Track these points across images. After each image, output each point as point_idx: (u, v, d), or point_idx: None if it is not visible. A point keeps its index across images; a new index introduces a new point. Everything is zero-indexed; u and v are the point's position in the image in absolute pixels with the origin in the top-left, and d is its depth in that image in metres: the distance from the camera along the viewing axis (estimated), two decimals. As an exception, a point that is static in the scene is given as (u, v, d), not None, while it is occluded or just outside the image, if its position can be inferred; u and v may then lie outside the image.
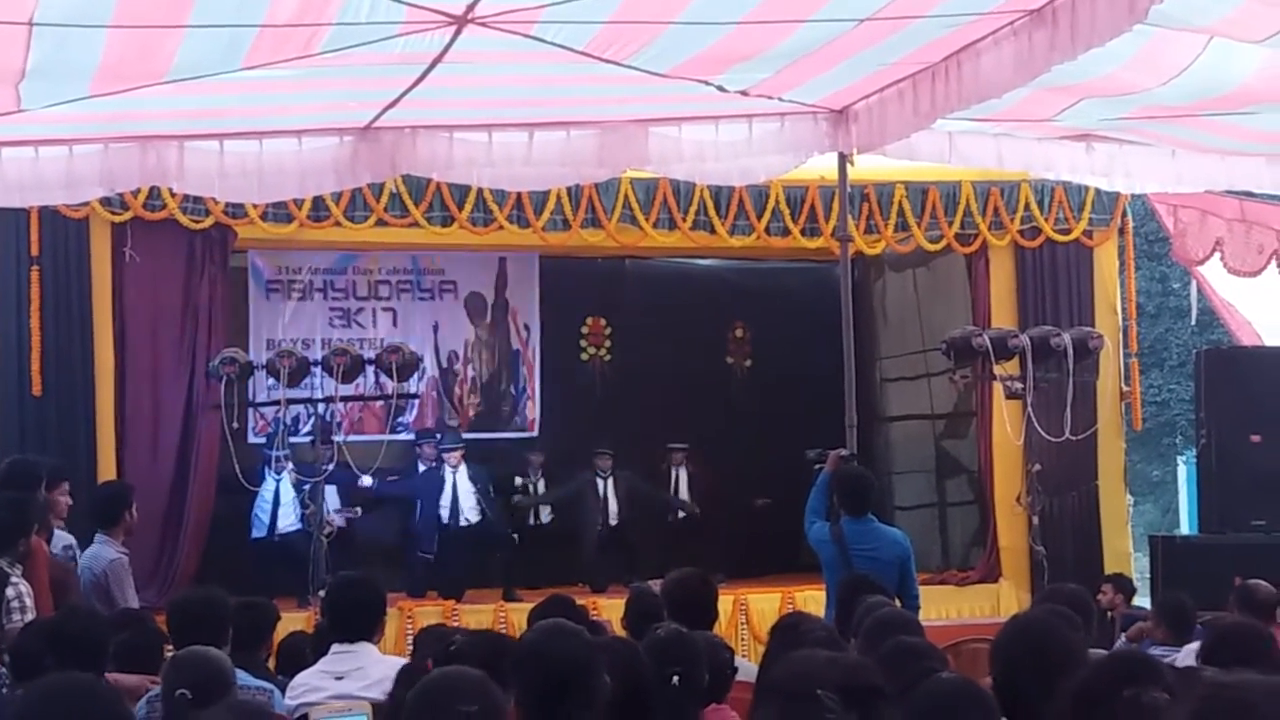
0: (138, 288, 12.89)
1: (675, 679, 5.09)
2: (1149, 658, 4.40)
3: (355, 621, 6.62)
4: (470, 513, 14.07)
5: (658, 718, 4.76)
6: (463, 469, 14.19)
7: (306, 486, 12.66)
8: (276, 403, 12.71)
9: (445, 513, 14.07)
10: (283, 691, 7.06)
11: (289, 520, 13.57)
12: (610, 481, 15.03)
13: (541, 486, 15.30)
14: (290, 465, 13.51)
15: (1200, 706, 2.80)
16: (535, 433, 16.08)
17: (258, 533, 13.68)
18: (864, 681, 3.02)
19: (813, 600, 12.73)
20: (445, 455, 14.34)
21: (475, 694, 3.72)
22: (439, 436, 14.91)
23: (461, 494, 14.13)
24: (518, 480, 15.26)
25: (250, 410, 13.86)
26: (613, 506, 15.02)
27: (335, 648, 6.62)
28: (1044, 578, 12.51)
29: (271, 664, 9.56)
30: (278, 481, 13.69)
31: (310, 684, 6.53)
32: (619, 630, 7.69)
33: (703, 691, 5.51)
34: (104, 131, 9.01)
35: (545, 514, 15.19)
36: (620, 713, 4.42)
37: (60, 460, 10.94)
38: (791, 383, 15.76)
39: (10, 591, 7.87)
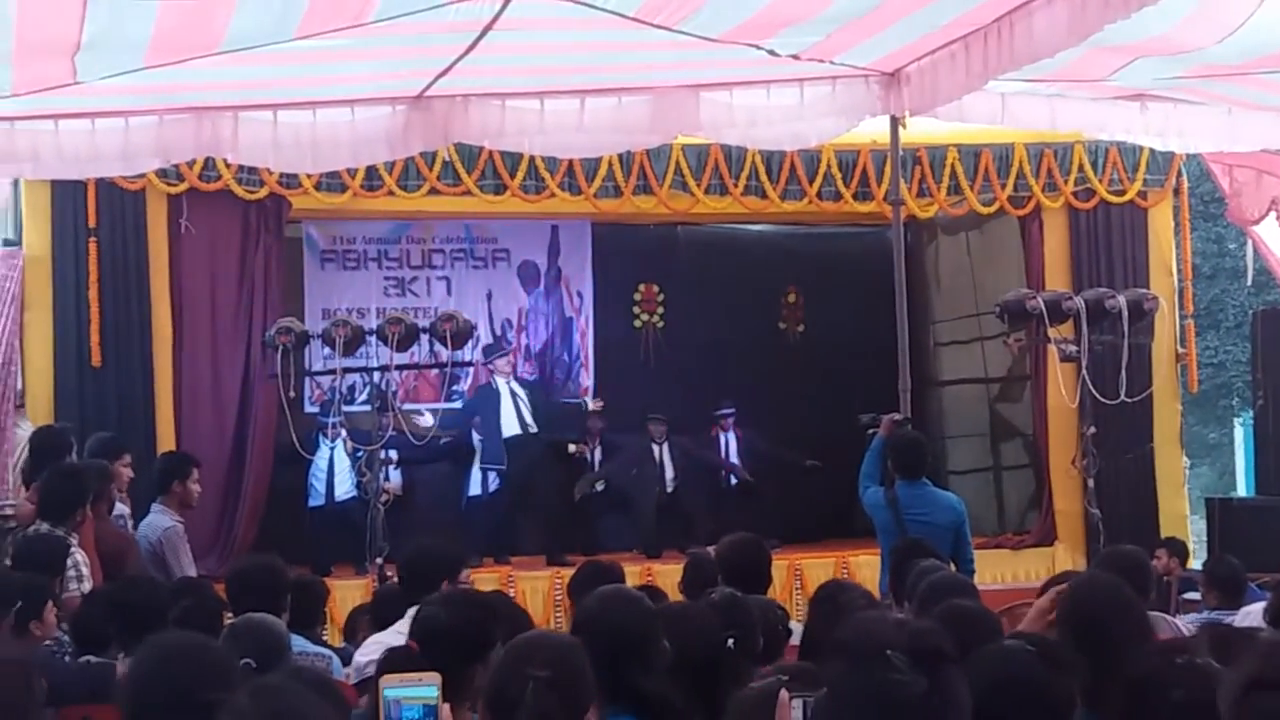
0: (194, 258, 12.98)
1: (730, 642, 5.12)
2: (1188, 642, 4.40)
3: (422, 585, 6.69)
4: (529, 420, 14.36)
5: (715, 681, 4.77)
6: (513, 381, 14.55)
7: (362, 454, 12.73)
8: (332, 372, 12.76)
9: (506, 423, 14.28)
10: (343, 661, 7.15)
11: (345, 488, 13.67)
12: (665, 448, 15.07)
13: (598, 454, 15.33)
14: (345, 433, 13.59)
15: (1253, 674, 2.80)
16: (590, 400, 16.12)
17: (314, 501, 13.78)
18: (932, 645, 3.02)
19: (867, 565, 12.72)
20: (494, 365, 14.52)
21: (549, 659, 3.74)
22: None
23: (520, 404, 14.35)
24: (571, 447, 15.29)
25: (306, 379, 13.94)
26: (669, 473, 15.06)
27: (410, 610, 6.67)
28: (1099, 541, 12.49)
29: (337, 638, 9.70)
30: (332, 450, 13.79)
31: (385, 642, 6.57)
32: (675, 596, 7.74)
33: (757, 655, 5.54)
34: (159, 103, 9.06)
35: (599, 484, 15.22)
36: (679, 677, 4.43)
37: (117, 433, 11.08)
38: (844, 348, 15.73)
39: (68, 560, 7.98)
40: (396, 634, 6.54)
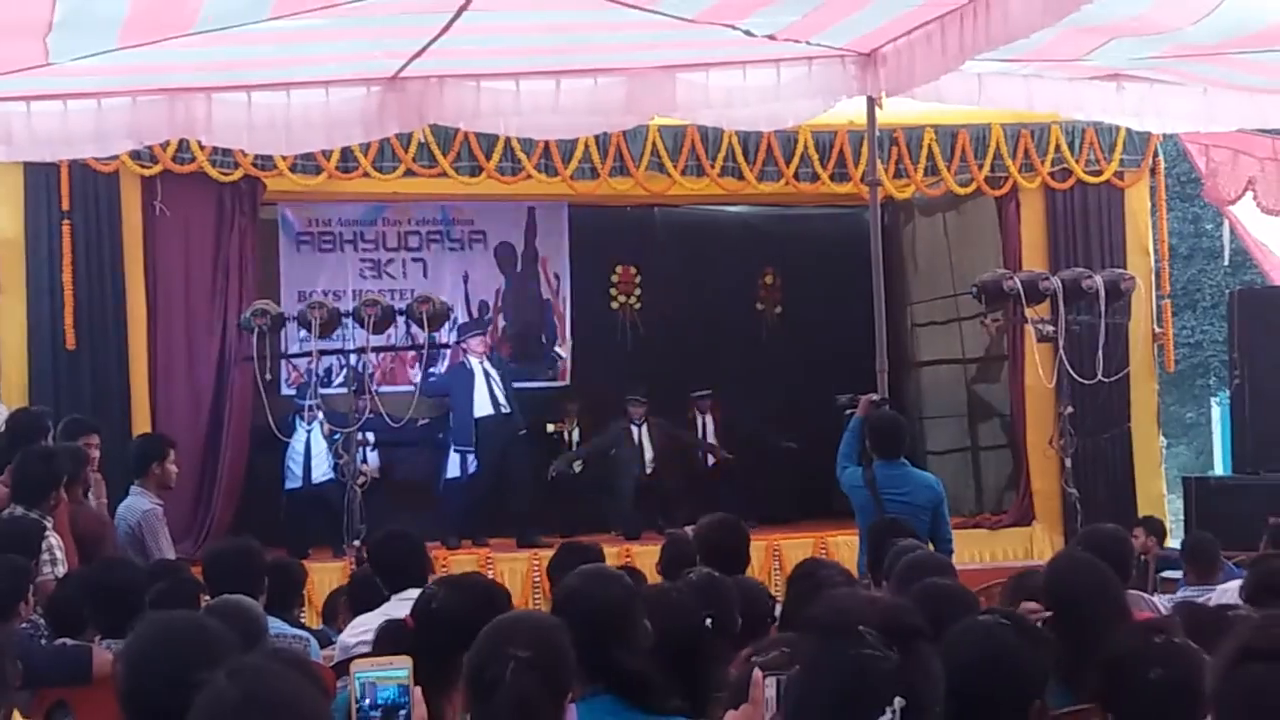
0: (168, 241, 12.93)
1: (708, 622, 5.12)
2: (1167, 620, 4.40)
3: (400, 572, 6.71)
4: (501, 400, 14.34)
5: (695, 661, 4.78)
6: (486, 361, 14.53)
7: (339, 436, 12.70)
8: (308, 354, 12.72)
9: (479, 403, 14.28)
10: (321, 643, 7.14)
11: (323, 470, 13.65)
12: (644, 429, 15.07)
13: (576, 435, 15.33)
14: (321, 415, 13.55)
15: (1245, 644, 2.81)
16: (567, 381, 16.10)
17: (291, 484, 13.78)
18: (905, 621, 3.03)
19: (845, 545, 12.79)
20: (467, 345, 14.56)
21: (530, 639, 3.73)
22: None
23: (493, 384, 14.36)
24: (550, 427, 15.29)
25: (283, 362, 13.90)
26: (648, 454, 15.07)
27: (394, 596, 6.68)
28: (1077, 520, 12.50)
29: (314, 620, 9.69)
30: (309, 432, 13.76)
31: (370, 624, 6.56)
32: (654, 577, 7.74)
33: (736, 635, 5.53)
34: (132, 84, 9.02)
35: (577, 465, 15.20)
36: (659, 657, 4.44)
37: (86, 414, 11.03)
38: (822, 328, 15.75)
39: (43, 544, 7.95)
40: (382, 616, 6.55)
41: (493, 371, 14.52)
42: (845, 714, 2.91)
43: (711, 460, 15.45)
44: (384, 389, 14.00)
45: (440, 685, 4.34)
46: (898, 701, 2.88)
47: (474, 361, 14.49)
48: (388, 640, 4.73)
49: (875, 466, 9.41)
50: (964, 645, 3.84)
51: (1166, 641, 3.86)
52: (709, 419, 15.56)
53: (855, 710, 2.89)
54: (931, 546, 8.95)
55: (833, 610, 3.07)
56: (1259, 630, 2.86)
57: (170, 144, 11.88)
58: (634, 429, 15.06)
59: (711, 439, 15.51)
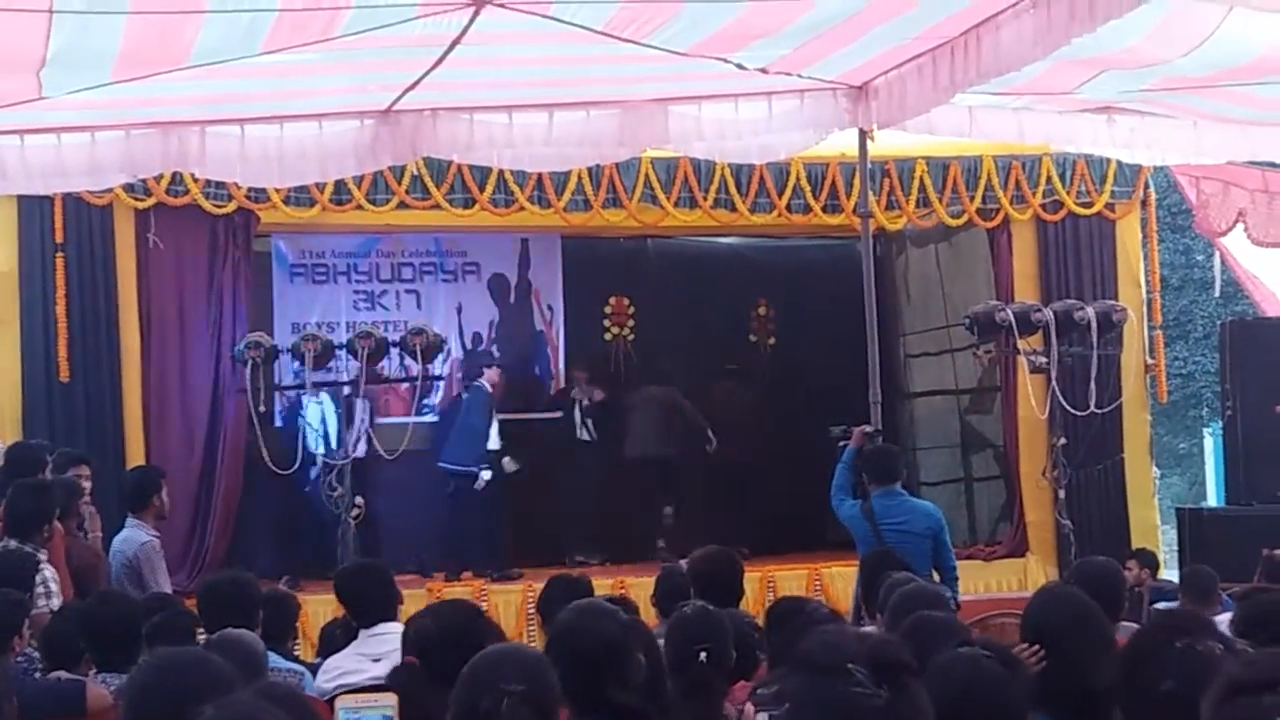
0: (162, 273, 12.94)
1: (702, 655, 5.12)
2: (1199, 615, 4.41)
3: (372, 606, 6.72)
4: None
5: (686, 695, 4.77)
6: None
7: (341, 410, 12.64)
8: (302, 386, 12.74)
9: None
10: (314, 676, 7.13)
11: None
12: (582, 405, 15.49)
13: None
14: (326, 391, 13.39)
15: (1234, 679, 2.83)
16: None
17: (329, 458, 13.12)
18: (893, 657, 3.03)
19: (840, 577, 12.80)
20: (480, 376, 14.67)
21: (522, 674, 3.72)
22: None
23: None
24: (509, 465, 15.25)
25: (276, 394, 13.88)
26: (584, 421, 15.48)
27: (364, 632, 6.69)
28: (1071, 551, 12.55)
29: (309, 653, 9.66)
30: (320, 405, 13.65)
31: (345, 667, 6.59)
32: (648, 609, 7.76)
33: (730, 668, 5.54)
34: (126, 118, 9.05)
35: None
36: (649, 691, 4.44)
37: (80, 447, 11.03)
38: (815, 359, 15.74)
39: (37, 577, 7.94)
40: (356, 656, 6.56)
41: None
42: None
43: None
44: (378, 421, 14.01)
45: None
46: None
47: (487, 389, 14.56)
48: (402, 685, 4.74)
49: (873, 497, 9.43)
50: (947, 675, 3.85)
51: (1186, 648, 3.82)
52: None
53: None
54: (936, 576, 9.00)
55: (822, 647, 3.07)
56: (1246, 665, 2.87)
57: (164, 177, 11.89)
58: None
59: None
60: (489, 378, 14.57)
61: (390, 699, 3.52)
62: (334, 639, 8.37)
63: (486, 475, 14.18)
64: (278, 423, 14.02)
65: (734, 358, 16.54)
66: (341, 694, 4.07)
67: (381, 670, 6.22)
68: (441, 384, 15.32)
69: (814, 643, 3.13)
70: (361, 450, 12.85)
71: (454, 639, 4.97)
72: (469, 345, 16.02)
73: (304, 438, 13.04)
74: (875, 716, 2.90)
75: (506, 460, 14.72)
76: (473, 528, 14.12)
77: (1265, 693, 2.74)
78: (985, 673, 3.87)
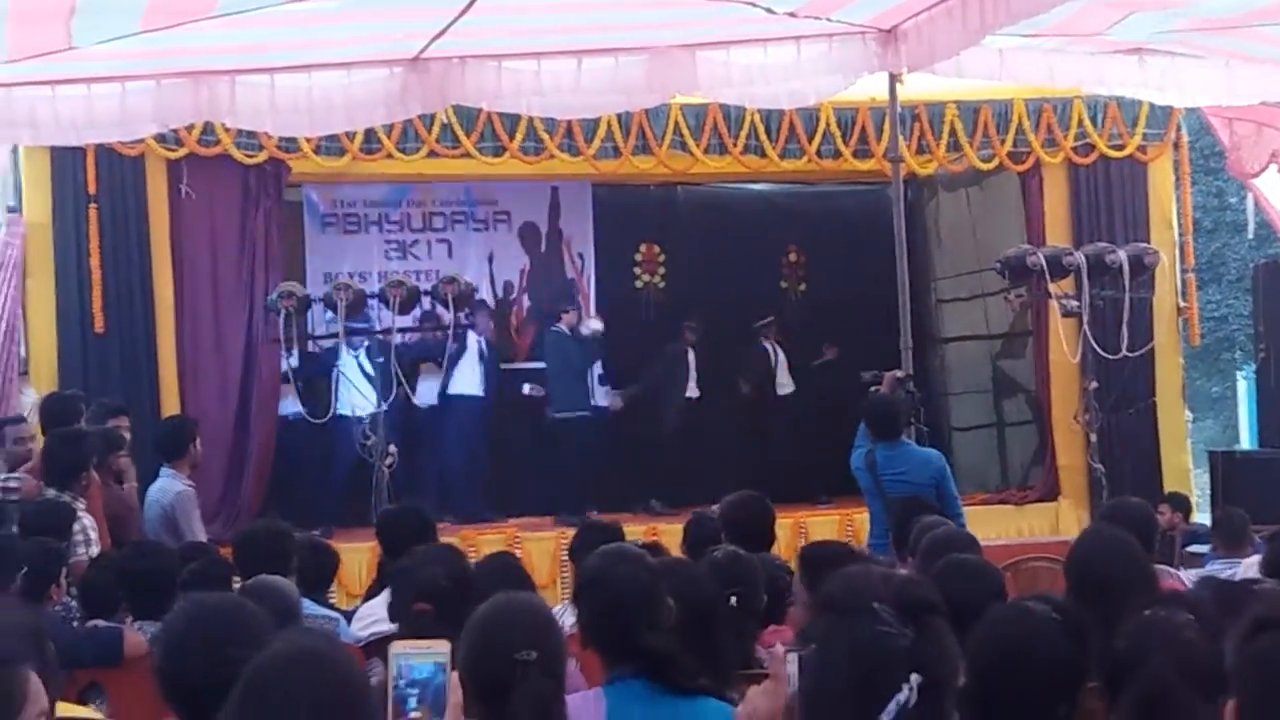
0: (194, 223, 12.99)
1: (733, 600, 5.13)
2: (1181, 591, 4.39)
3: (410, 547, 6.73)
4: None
5: (718, 638, 4.78)
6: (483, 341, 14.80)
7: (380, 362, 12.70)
8: (335, 335, 12.78)
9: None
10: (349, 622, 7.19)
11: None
12: (692, 353, 15.36)
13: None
14: (365, 341, 13.40)
15: (1258, 616, 2.83)
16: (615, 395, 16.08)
17: (363, 410, 13.15)
18: (920, 597, 3.03)
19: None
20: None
21: (534, 639, 3.66)
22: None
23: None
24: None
25: (309, 343, 13.93)
26: (692, 380, 15.38)
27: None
28: (1103, 495, 12.53)
29: (345, 601, 9.72)
30: (356, 356, 13.68)
31: (378, 614, 6.61)
32: (677, 554, 7.77)
33: (761, 612, 5.56)
34: (156, 68, 9.06)
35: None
36: (682, 635, 4.44)
37: (116, 398, 11.09)
38: (846, 305, 15.71)
39: (75, 525, 8.01)
40: (385, 604, 6.59)
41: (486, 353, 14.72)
42: (862, 692, 2.91)
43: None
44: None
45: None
46: (914, 678, 2.89)
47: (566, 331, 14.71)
48: (413, 633, 4.77)
49: (876, 448, 9.43)
50: (1008, 628, 3.79)
51: (1173, 631, 3.78)
52: (776, 346, 15.80)
53: (871, 688, 2.90)
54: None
55: (846, 588, 3.08)
56: (1270, 603, 2.88)
57: (195, 127, 11.91)
58: (688, 352, 15.28)
59: (783, 365, 15.73)
60: (566, 321, 14.66)
61: (444, 646, 3.52)
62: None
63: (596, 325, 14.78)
64: (312, 371, 14.07)
65: (765, 304, 16.51)
66: (394, 640, 4.07)
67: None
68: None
69: (837, 584, 3.14)
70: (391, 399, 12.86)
71: (459, 584, 5.01)
72: (500, 294, 16.06)
73: (337, 387, 13.08)
74: (901, 656, 2.91)
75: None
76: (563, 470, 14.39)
77: None
78: (1052, 636, 3.80)
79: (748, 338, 15.92)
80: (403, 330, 13.00)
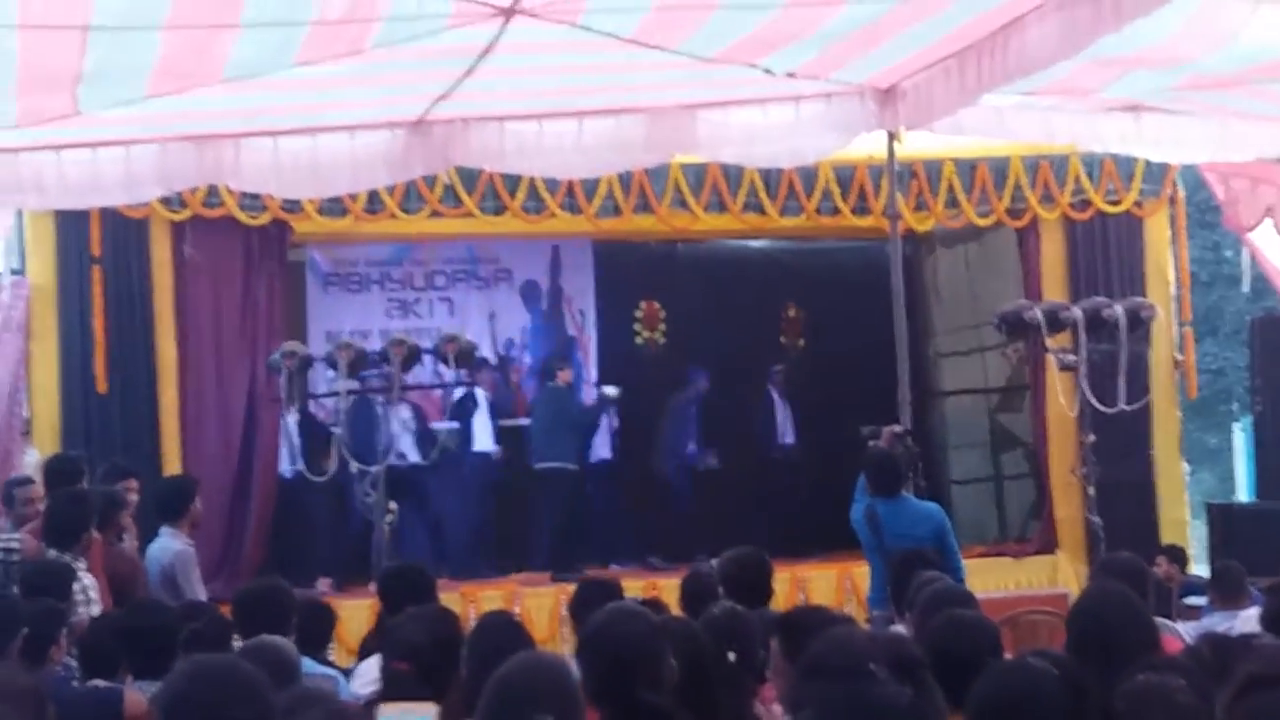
0: (198, 285, 13.05)
1: (731, 657, 5.16)
2: (1178, 659, 4.42)
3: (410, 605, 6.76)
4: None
5: (717, 697, 4.80)
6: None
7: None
8: (336, 393, 12.83)
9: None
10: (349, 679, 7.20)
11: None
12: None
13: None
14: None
15: (1252, 673, 2.86)
16: (592, 394, 16.12)
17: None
18: (910, 654, 3.07)
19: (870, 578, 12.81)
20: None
21: (552, 702, 3.69)
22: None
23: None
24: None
25: (311, 402, 13.99)
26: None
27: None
28: (1101, 548, 12.51)
29: (345, 660, 9.73)
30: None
31: (375, 673, 6.63)
32: (675, 611, 7.79)
33: (760, 669, 5.59)
34: (161, 132, 9.12)
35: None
36: (681, 692, 4.46)
37: (124, 458, 11.12)
38: (846, 360, 15.73)
39: (76, 585, 8.03)
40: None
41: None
42: None
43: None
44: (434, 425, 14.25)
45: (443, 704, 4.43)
46: None
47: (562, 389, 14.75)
48: (397, 691, 4.80)
49: (876, 502, 9.45)
50: (1009, 683, 3.83)
51: (1146, 679, 3.81)
52: (782, 397, 16.04)
53: None
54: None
55: (838, 649, 3.10)
56: (1263, 659, 2.90)
57: (199, 189, 11.97)
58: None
59: (789, 417, 15.94)
60: (563, 378, 14.71)
61: (430, 709, 3.56)
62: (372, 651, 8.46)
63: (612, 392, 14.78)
64: (313, 430, 14.11)
65: (765, 359, 16.56)
66: (380, 702, 4.11)
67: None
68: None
69: (827, 646, 3.16)
70: (393, 458, 12.89)
71: (443, 645, 5.05)
72: (502, 351, 16.12)
73: (340, 446, 13.12)
74: (900, 714, 2.94)
75: (608, 389, 15.07)
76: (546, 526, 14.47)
77: None
78: (1053, 690, 3.83)
79: (758, 385, 16.05)
80: (405, 388, 13.04)
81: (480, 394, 14.55)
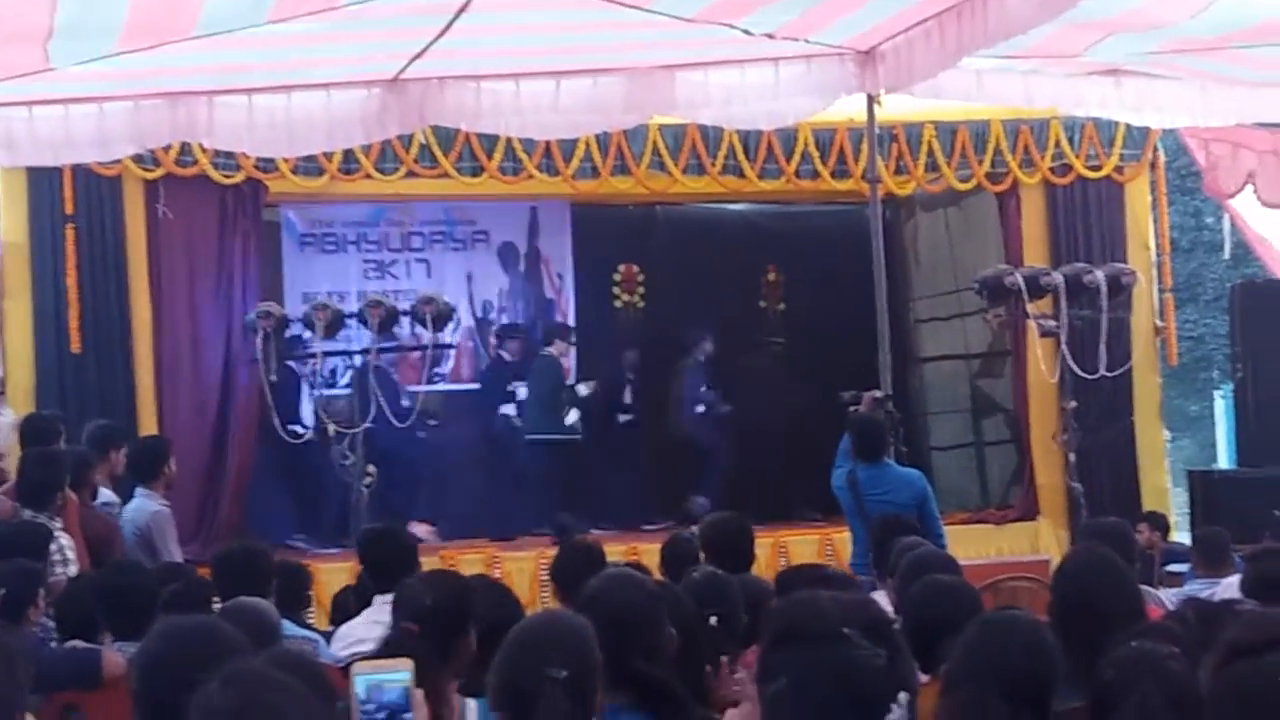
0: (171, 243, 12.93)
1: (714, 620, 5.12)
2: (1168, 627, 4.39)
3: (391, 572, 6.72)
4: None
5: (701, 660, 4.76)
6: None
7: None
8: (313, 355, 12.77)
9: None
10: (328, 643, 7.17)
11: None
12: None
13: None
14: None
15: (1233, 641, 2.83)
16: (571, 380, 16.11)
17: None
18: (881, 617, 3.04)
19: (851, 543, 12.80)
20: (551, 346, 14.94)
21: (567, 658, 3.65)
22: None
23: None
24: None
25: (289, 362, 13.91)
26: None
27: (378, 598, 6.72)
28: (1081, 514, 12.56)
29: (323, 620, 9.71)
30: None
31: (358, 634, 6.62)
32: (657, 575, 7.75)
33: (742, 633, 5.56)
34: (133, 89, 9.06)
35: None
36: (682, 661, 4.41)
37: (93, 417, 11.07)
38: (825, 325, 15.72)
39: (53, 545, 7.98)
40: (371, 623, 6.58)
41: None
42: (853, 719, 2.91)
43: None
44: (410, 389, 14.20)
45: (441, 674, 4.38)
46: (903, 697, 2.89)
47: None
48: (398, 651, 4.76)
49: (857, 468, 9.44)
50: (998, 630, 3.85)
51: (1138, 645, 3.81)
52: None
53: (862, 713, 2.90)
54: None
55: (811, 616, 3.05)
56: (1246, 626, 2.87)
57: (172, 147, 11.86)
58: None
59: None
60: (557, 348, 14.71)
61: (407, 664, 3.50)
62: (346, 606, 8.42)
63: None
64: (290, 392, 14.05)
65: (744, 324, 16.54)
66: (357, 660, 4.07)
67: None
68: (451, 353, 15.42)
69: (798, 612, 3.11)
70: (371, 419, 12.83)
71: (446, 610, 5.00)
72: (479, 314, 16.06)
73: (316, 407, 13.11)
74: (880, 676, 2.91)
75: (580, 385, 15.05)
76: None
77: (1266, 653, 2.74)
78: (1040, 635, 3.85)
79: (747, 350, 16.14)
80: (382, 350, 13.00)
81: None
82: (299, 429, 13.12)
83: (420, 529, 13.02)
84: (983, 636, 3.85)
